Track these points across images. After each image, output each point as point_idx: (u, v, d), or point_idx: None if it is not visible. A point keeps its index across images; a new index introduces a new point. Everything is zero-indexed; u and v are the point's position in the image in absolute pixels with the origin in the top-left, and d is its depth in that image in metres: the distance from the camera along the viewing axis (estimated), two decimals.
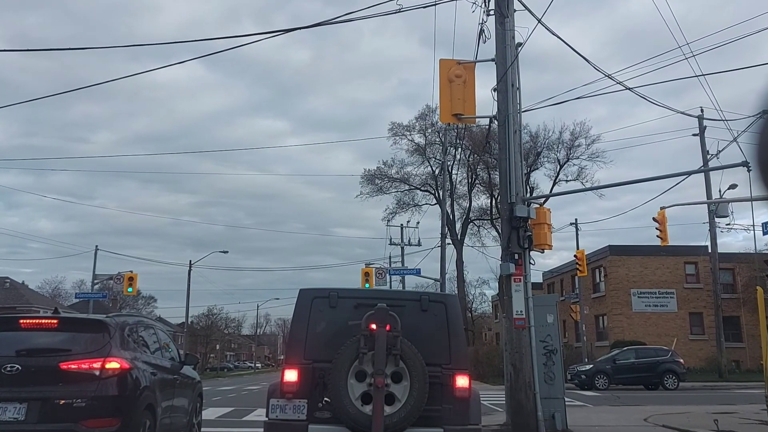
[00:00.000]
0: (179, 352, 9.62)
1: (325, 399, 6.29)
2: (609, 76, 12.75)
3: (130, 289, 35.04)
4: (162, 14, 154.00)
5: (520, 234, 10.85)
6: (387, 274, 33.99)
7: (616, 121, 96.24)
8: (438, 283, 34.43)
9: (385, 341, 6.04)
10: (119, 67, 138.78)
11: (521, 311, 10.65)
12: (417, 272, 34.02)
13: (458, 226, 61.28)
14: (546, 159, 44.14)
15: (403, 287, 53.95)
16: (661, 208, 23.14)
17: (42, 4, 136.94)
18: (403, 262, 56.66)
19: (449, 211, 60.55)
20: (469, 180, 59.89)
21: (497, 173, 48.30)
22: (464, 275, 60.56)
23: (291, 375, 6.43)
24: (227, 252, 57.10)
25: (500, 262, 11.00)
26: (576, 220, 31.43)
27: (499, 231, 47.25)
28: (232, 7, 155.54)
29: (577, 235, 30.08)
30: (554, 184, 43.86)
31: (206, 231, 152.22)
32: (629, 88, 12.87)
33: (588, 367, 26.81)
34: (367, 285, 33.51)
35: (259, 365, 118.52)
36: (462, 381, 6.41)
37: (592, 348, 38.10)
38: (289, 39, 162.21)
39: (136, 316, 9.62)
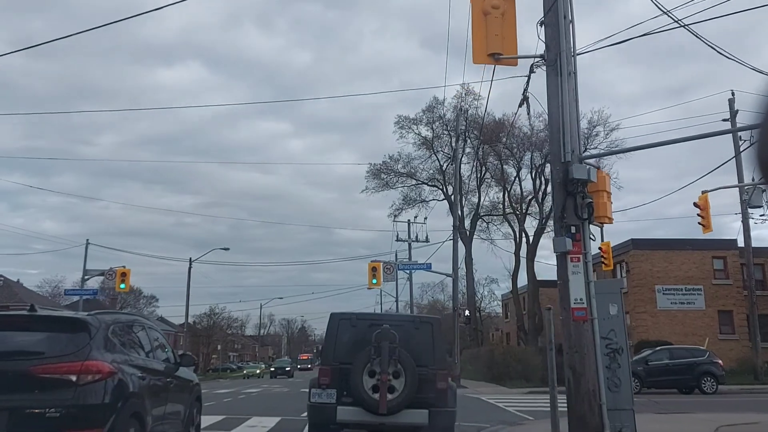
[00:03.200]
0: (174, 352, 9.03)
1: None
2: (667, 13, 10.60)
3: (122, 286, 32.90)
4: (165, 18, 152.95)
5: (577, 201, 8.57)
6: (395, 270, 31.80)
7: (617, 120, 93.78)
8: (450, 279, 32.25)
9: (388, 350, 8.90)
10: (122, 70, 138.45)
11: (581, 299, 8.39)
12: (427, 267, 31.85)
13: (467, 222, 59.28)
14: None
15: (411, 289, 51.68)
16: (703, 192, 20.92)
17: (45, 8, 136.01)
18: (410, 258, 54.63)
19: (458, 205, 58.58)
20: (478, 175, 57.81)
21: (510, 164, 46.56)
22: (473, 272, 58.54)
23: (325, 372, 9.40)
24: (228, 249, 54.74)
25: (553, 238, 8.73)
26: None
27: (512, 225, 45.18)
28: (233, 10, 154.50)
29: (602, 225, 27.79)
30: None
31: (210, 232, 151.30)
32: (686, 27, 10.72)
33: None
34: (374, 281, 31.40)
35: (263, 366, 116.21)
36: (441, 378, 9.26)
37: None
38: (291, 42, 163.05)
39: (124, 313, 9.38)
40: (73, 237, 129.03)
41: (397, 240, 56.16)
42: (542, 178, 41.96)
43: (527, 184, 43.20)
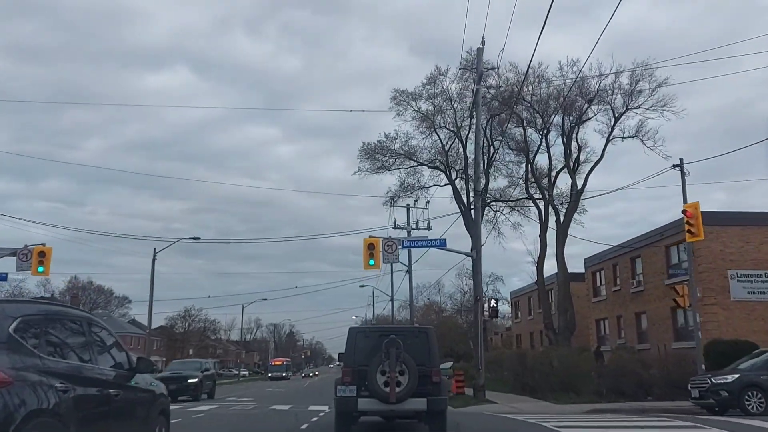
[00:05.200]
0: (130, 357, 7.32)
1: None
2: None
3: (41, 269, 25.13)
4: (153, 23, 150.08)
5: None
6: (399, 247, 24.25)
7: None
8: (471, 258, 24.63)
9: (395, 354, 11.71)
10: (111, 75, 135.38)
11: None
12: (441, 243, 24.33)
13: (473, 211, 51.85)
14: (598, 109, 34.33)
15: (410, 282, 44.20)
16: None
17: (34, 12, 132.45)
18: (410, 249, 47.03)
19: (463, 191, 51.02)
20: (487, 155, 50.33)
21: (534, 128, 38.96)
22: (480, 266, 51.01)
23: (347, 373, 12.25)
24: (198, 239, 46.82)
25: None
26: (681, 160, 21.62)
27: (536, 202, 37.40)
28: (223, 16, 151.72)
29: (683, 181, 20.44)
30: (608, 142, 34.17)
31: (199, 235, 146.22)
32: None
33: (730, 378, 16.91)
34: (371, 261, 23.87)
35: (246, 373, 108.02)
36: (436, 374, 12.11)
37: (666, 351, 28.36)
38: (281, 48, 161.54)
39: (46, 303, 7.04)
40: (58, 242, 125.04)
41: (395, 227, 48.90)
42: (577, 143, 34.52)
43: (555, 150, 35.63)
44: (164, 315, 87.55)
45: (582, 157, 34.73)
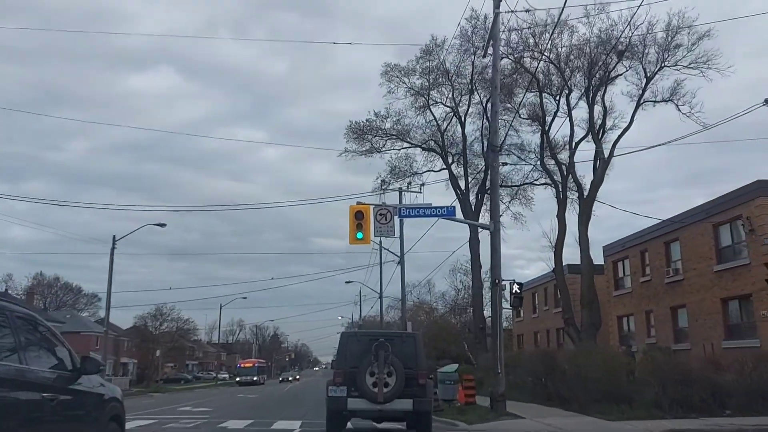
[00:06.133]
0: (74, 356, 6.61)
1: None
2: None
3: None
4: (139, 23, 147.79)
5: None
6: (395, 217, 18.87)
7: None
8: (489, 231, 19.16)
9: (384, 357, 12.42)
10: (95, 75, 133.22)
11: None
12: (450, 212, 18.93)
13: (471, 197, 46.66)
14: (629, 65, 29.04)
15: (402, 275, 39.30)
16: None
17: (18, 12, 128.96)
18: (402, 234, 41.86)
19: (461, 177, 45.76)
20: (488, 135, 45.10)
21: (550, 93, 33.45)
22: (479, 260, 45.86)
23: (338, 374, 12.92)
24: (164, 225, 41.08)
25: None
26: None
27: (553, 177, 31.43)
28: (209, 18, 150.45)
29: None
30: (638, 105, 28.86)
31: (182, 239, 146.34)
32: None
33: None
34: (359, 234, 18.56)
35: (226, 376, 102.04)
36: (422, 376, 12.82)
37: (712, 351, 23.17)
38: (267, 50, 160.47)
39: None
40: (41, 244, 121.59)
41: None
42: (603, 105, 29.22)
43: (577, 115, 30.26)
44: (137, 314, 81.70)
45: (608, 123, 29.44)
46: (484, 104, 43.69)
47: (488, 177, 44.55)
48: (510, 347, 54.72)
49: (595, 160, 28.68)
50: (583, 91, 29.06)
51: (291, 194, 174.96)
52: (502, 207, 48.11)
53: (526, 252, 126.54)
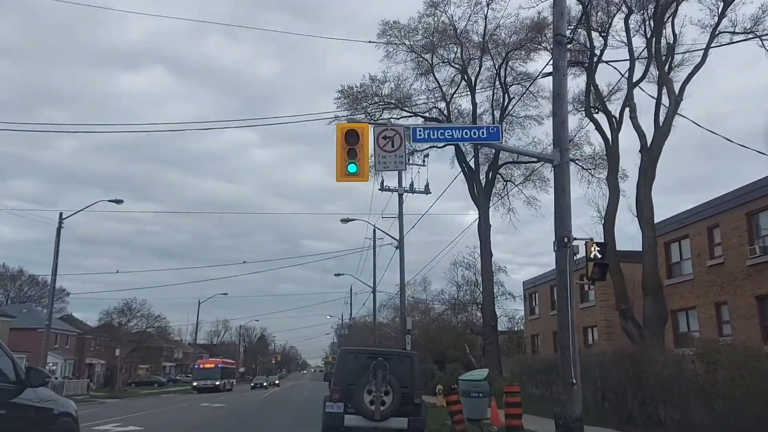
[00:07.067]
0: (18, 366, 6.26)
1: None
2: None
3: None
4: (128, 23, 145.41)
5: None
6: (408, 144, 12.21)
7: None
8: (552, 166, 12.35)
9: (382, 376, 12.65)
10: (83, 74, 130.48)
11: None
12: (493, 134, 12.14)
13: (482, 175, 40.07)
14: None
15: (401, 267, 33.68)
16: None
17: (5, 10, 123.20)
18: (401, 214, 35.33)
19: (469, 153, 39.12)
20: (500, 106, 38.46)
21: (596, 30, 25.25)
22: (490, 246, 39.27)
23: (336, 390, 13.10)
24: (122, 201, 33.74)
25: None
26: None
27: (601, 127, 21.37)
28: (200, 18, 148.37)
29: None
30: (712, 36, 22.12)
31: (172, 240, 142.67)
32: None
33: None
34: (351, 167, 11.82)
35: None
36: (417, 396, 13.16)
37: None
38: (258, 53, 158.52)
39: None
40: (28, 244, 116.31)
41: (382, 189, 37.16)
42: (673, 31, 22.42)
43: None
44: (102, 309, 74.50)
45: (676, 59, 22.67)
46: (497, 68, 37.23)
47: (501, 151, 38.22)
48: (521, 350, 48.03)
49: (656, 108, 21.96)
50: (644, 17, 22.30)
51: (281, 197, 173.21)
52: (513, 189, 41.83)
53: (516, 257, 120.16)
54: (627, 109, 22.28)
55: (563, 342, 11.49)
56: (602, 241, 11.50)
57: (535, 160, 37.66)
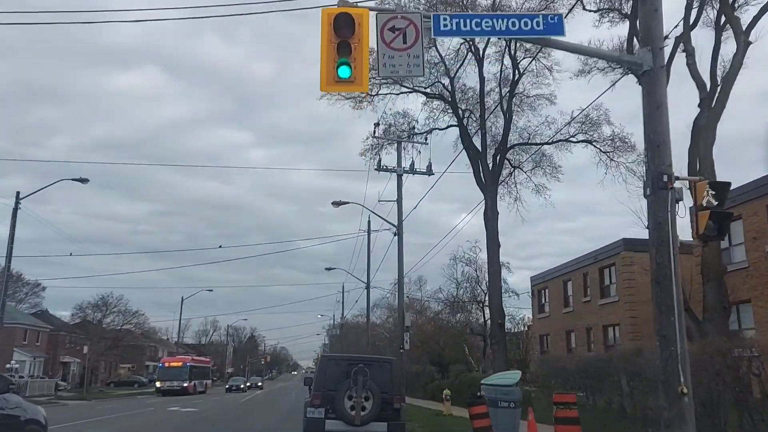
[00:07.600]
0: None
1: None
2: None
3: None
4: (123, 22, 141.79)
5: None
6: (426, 39, 8.32)
7: None
8: (638, 74, 8.51)
9: (362, 382, 12.83)
10: (77, 72, 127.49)
11: None
12: (553, 27, 8.25)
13: (489, 160, 35.93)
14: None
15: (400, 259, 29.90)
16: None
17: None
18: (400, 196, 31.72)
19: (476, 135, 35.16)
20: (509, 83, 34.45)
21: None
22: (498, 236, 35.21)
23: (317, 396, 13.22)
24: (87, 181, 29.41)
25: None
26: None
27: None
28: (195, 19, 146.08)
29: None
30: None
31: (165, 240, 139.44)
32: None
33: None
34: (344, 71, 7.77)
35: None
36: (397, 401, 13.31)
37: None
38: (253, 52, 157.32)
39: None
40: (18, 241, 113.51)
41: (379, 170, 33.37)
42: None
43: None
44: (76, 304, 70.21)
45: None
46: (507, 40, 33.32)
47: (509, 133, 34.29)
48: (530, 349, 44.27)
49: (713, 56, 18.06)
50: None
51: (274, 197, 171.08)
52: (521, 176, 37.82)
53: (509, 259, 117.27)
54: (675, 60, 18.39)
55: (665, 331, 7.60)
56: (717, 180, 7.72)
57: (547, 141, 33.96)
